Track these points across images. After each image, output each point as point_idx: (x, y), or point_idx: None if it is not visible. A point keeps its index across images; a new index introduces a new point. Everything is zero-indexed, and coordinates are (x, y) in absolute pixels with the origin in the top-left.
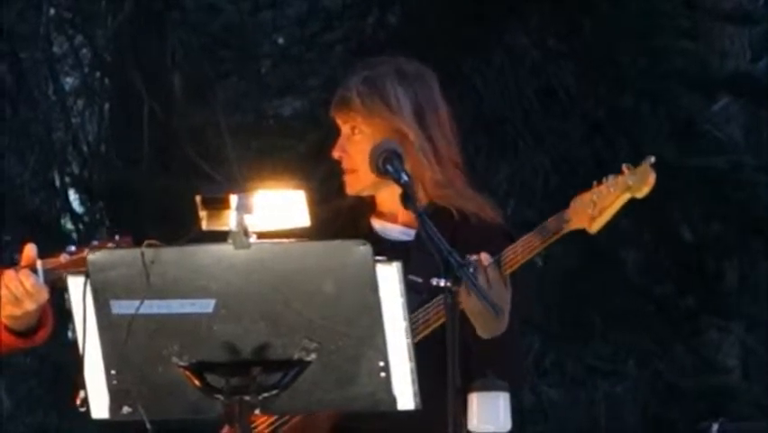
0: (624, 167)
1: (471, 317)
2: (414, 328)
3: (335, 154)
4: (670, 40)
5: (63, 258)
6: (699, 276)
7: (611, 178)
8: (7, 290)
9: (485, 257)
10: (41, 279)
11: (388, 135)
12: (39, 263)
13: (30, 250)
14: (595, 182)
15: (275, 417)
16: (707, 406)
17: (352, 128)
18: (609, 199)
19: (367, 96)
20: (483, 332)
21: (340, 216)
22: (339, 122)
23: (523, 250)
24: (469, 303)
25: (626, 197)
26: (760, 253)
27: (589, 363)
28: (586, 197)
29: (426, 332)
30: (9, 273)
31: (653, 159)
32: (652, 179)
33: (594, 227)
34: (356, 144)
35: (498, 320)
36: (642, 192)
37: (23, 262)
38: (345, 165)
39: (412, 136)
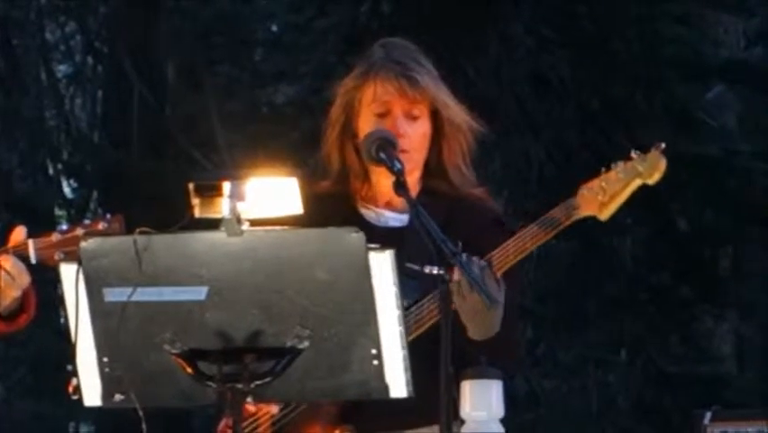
0: (633, 153)
1: (464, 317)
2: (407, 328)
3: (400, 140)
4: (664, 28)
5: (55, 237)
6: (694, 265)
7: (620, 164)
8: None
9: (476, 261)
10: (33, 258)
11: (443, 120)
12: (30, 243)
13: (18, 233)
14: (603, 168)
15: (278, 412)
16: (700, 394)
17: (414, 112)
18: (620, 185)
19: (432, 79)
20: (475, 333)
21: (324, 202)
22: (398, 106)
23: (526, 242)
24: (462, 304)
25: (637, 183)
26: (755, 241)
27: (581, 351)
28: (595, 183)
29: (420, 331)
30: None
31: (663, 145)
32: (663, 165)
33: (605, 214)
34: (417, 129)
35: (490, 319)
36: (653, 178)
37: (11, 245)
38: (403, 146)
39: (461, 124)
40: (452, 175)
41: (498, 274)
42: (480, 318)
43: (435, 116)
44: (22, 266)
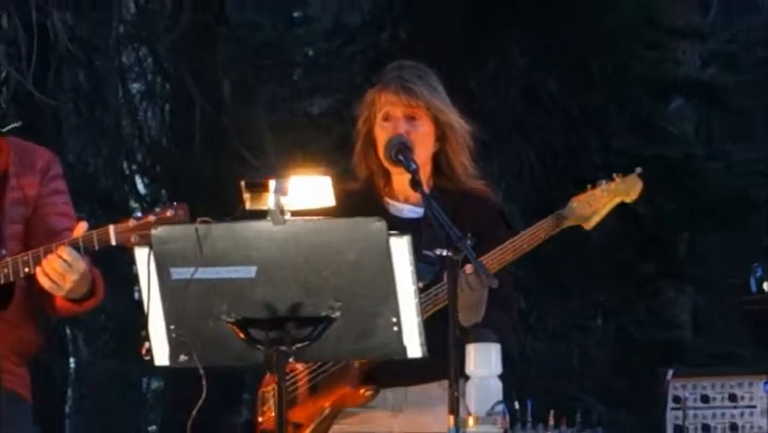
0: (615, 175)
1: (461, 304)
2: (425, 306)
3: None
4: (634, 50)
5: (131, 223)
6: (658, 247)
7: (604, 183)
8: (51, 267)
9: (468, 267)
10: (114, 241)
11: (441, 123)
12: (111, 228)
13: (81, 227)
14: (589, 186)
15: (312, 370)
16: (663, 355)
17: (414, 116)
18: (602, 202)
19: (428, 89)
20: (464, 320)
21: (353, 198)
22: (397, 110)
23: (530, 239)
24: (468, 295)
25: (617, 200)
26: (709, 228)
27: (565, 319)
28: (582, 198)
29: (436, 309)
30: (49, 256)
31: (639, 170)
32: (639, 186)
33: (589, 225)
34: (418, 128)
35: (477, 313)
36: (631, 197)
37: (75, 234)
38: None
39: (457, 126)
40: (458, 169)
41: (498, 268)
42: (473, 310)
43: (438, 122)
44: (76, 255)
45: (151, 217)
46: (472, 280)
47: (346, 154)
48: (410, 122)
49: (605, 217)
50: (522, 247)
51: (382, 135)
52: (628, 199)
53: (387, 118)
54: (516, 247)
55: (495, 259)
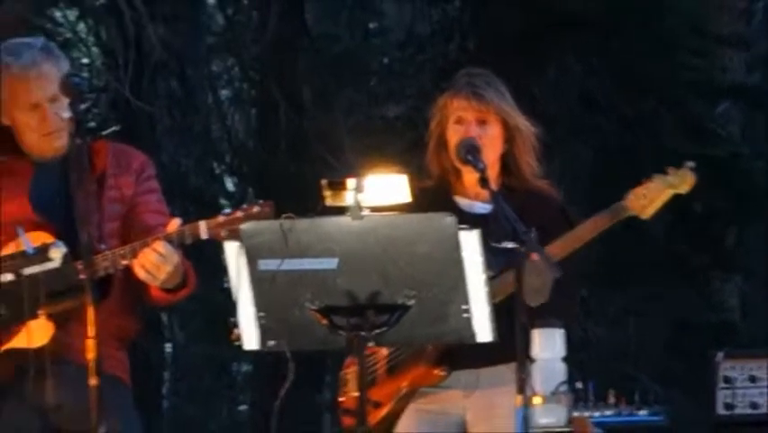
0: (668, 169)
1: (527, 288)
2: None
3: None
4: (683, 58)
5: (221, 218)
6: (708, 240)
7: (659, 176)
8: (147, 259)
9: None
10: (205, 235)
11: (510, 126)
12: (202, 224)
13: (174, 223)
14: (644, 178)
15: (390, 352)
16: (713, 338)
17: (484, 120)
18: (657, 193)
19: (497, 95)
20: (532, 302)
21: (427, 194)
22: (469, 114)
23: (590, 230)
24: (534, 280)
25: (671, 192)
26: (755, 223)
27: (624, 305)
28: (639, 191)
29: (503, 296)
30: (145, 249)
31: (691, 163)
32: (692, 179)
33: (646, 214)
34: (488, 131)
35: (544, 295)
36: (683, 189)
37: (169, 229)
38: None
39: (523, 128)
40: (525, 169)
41: (564, 255)
42: (540, 293)
43: (506, 125)
44: (170, 248)
45: (239, 214)
46: (539, 265)
47: (418, 155)
48: (481, 125)
49: (660, 209)
50: (583, 237)
51: (454, 138)
52: (681, 191)
53: (459, 122)
54: (577, 237)
55: (558, 249)
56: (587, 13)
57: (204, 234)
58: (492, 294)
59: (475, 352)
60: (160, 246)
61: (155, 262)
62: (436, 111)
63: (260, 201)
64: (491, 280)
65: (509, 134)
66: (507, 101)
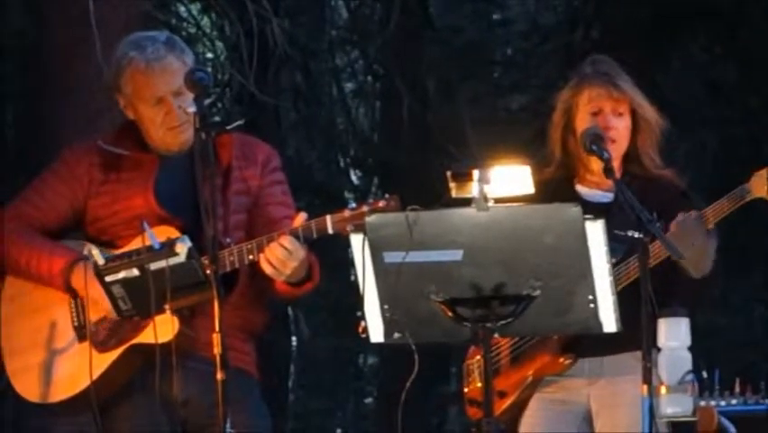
0: None
1: (690, 261)
2: (617, 280)
3: (610, 132)
4: None
5: (346, 213)
6: None
7: None
8: (274, 254)
9: (694, 213)
10: (331, 230)
11: (638, 117)
12: (328, 218)
13: (300, 218)
14: None
15: (513, 342)
16: None
17: (621, 111)
18: None
19: (630, 85)
20: (695, 272)
21: (549, 185)
22: (607, 105)
23: (715, 212)
24: (689, 253)
25: None
26: None
27: (748, 294)
28: (763, 173)
29: (627, 283)
30: (271, 244)
31: None
32: None
33: None
34: (622, 121)
35: (705, 262)
36: None
37: (295, 224)
38: (613, 136)
39: (651, 120)
40: (645, 160)
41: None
42: (699, 263)
43: (634, 115)
44: (297, 243)
45: (365, 208)
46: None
47: (542, 146)
48: (617, 117)
49: None
50: (708, 220)
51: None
52: None
53: (597, 113)
54: (707, 218)
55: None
56: (714, 2)
57: (330, 229)
58: (616, 282)
59: (599, 339)
60: (287, 241)
61: (281, 258)
62: (565, 98)
63: (386, 195)
64: (614, 266)
65: (637, 124)
66: (638, 91)
